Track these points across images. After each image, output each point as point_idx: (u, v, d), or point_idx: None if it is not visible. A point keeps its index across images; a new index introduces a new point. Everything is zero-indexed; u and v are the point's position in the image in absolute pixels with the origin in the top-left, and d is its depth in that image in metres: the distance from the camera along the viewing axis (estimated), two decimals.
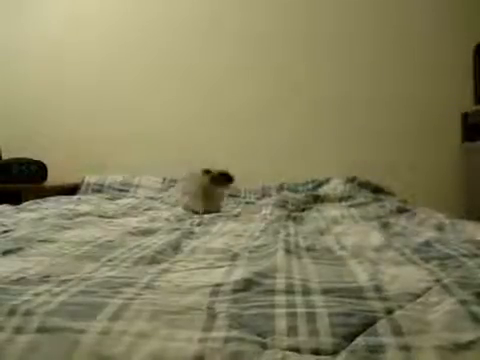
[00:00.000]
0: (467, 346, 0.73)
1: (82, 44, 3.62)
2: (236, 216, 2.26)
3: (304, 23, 3.42)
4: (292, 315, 0.84)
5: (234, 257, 1.31)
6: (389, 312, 0.86)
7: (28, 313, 0.83)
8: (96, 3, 3.64)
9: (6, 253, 1.33)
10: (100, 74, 3.61)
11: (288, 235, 1.66)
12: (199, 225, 1.98)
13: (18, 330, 0.78)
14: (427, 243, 1.46)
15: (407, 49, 3.32)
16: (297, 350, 0.73)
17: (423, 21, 3.30)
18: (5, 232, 1.66)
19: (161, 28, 3.54)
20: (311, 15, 3.42)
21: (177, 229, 1.79)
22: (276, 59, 3.44)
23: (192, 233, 1.75)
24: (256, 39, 3.46)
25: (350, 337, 0.76)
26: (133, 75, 3.56)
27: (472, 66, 3.17)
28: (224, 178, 2.46)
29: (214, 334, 0.77)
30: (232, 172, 3.18)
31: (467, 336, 0.75)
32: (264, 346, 0.74)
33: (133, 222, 2.01)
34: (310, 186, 3.13)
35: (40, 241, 1.52)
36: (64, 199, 2.77)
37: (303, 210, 2.46)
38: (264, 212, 2.31)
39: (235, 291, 0.98)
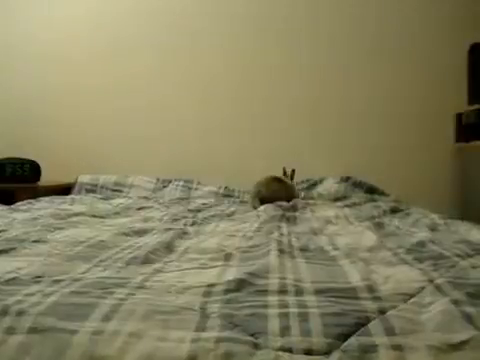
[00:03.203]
0: (459, 346, 0.73)
1: (78, 44, 3.60)
2: (230, 216, 2.26)
3: (302, 22, 3.41)
4: (285, 315, 0.84)
5: (227, 257, 1.31)
6: (382, 312, 0.86)
7: (20, 313, 0.83)
8: (94, 2, 3.63)
9: None
10: (95, 75, 3.59)
11: (281, 235, 1.65)
12: (193, 225, 1.98)
13: (10, 330, 0.78)
14: (421, 243, 1.46)
15: (402, 49, 3.32)
16: (289, 350, 0.73)
17: (418, 21, 3.31)
18: None
19: (158, 30, 3.53)
20: (307, 14, 3.42)
21: (170, 229, 1.78)
22: (271, 59, 3.44)
23: (185, 233, 1.74)
24: (251, 39, 3.45)
25: (343, 337, 0.77)
26: (128, 76, 3.55)
27: (466, 66, 3.18)
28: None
29: (206, 334, 0.77)
30: (227, 172, 3.21)
31: (459, 336, 0.75)
32: (256, 346, 0.74)
33: (126, 222, 2.01)
34: (304, 186, 3.13)
35: (33, 241, 1.51)
36: (57, 199, 2.76)
37: (298, 210, 2.46)
38: (258, 212, 2.30)
39: (228, 291, 0.98)
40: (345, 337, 0.77)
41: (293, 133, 3.39)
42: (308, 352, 0.73)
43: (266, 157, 3.35)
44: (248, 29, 3.46)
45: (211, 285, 1.02)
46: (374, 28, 3.35)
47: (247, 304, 0.90)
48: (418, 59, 3.32)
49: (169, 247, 1.46)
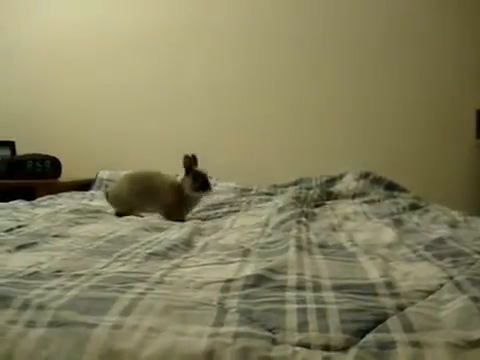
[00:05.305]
0: (478, 343, 0.72)
1: (96, 43, 3.63)
2: (248, 212, 2.26)
3: (312, 22, 3.40)
4: (303, 311, 0.84)
5: (246, 253, 1.31)
6: (400, 309, 0.86)
7: (41, 307, 0.83)
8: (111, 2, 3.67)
9: (20, 248, 1.35)
10: (114, 72, 3.62)
11: (300, 231, 1.65)
12: (210, 220, 2.00)
13: (30, 324, 0.79)
14: (440, 240, 1.45)
15: (421, 45, 3.29)
16: (307, 346, 0.73)
17: (437, 16, 3.27)
18: (19, 227, 1.68)
19: (171, 28, 3.54)
20: (321, 13, 3.40)
21: (189, 225, 1.80)
22: (285, 57, 3.43)
23: (204, 229, 1.76)
24: (263, 38, 3.45)
25: (360, 333, 0.76)
26: (147, 72, 3.57)
27: None
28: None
29: (224, 329, 0.77)
30: (245, 169, 3.17)
31: (478, 333, 0.74)
32: (274, 341, 0.74)
33: (145, 217, 2.03)
34: (324, 182, 3.11)
35: (53, 236, 1.53)
36: (77, 195, 2.79)
37: (316, 207, 2.45)
38: (276, 209, 2.30)
39: (246, 287, 0.98)
40: (363, 333, 0.76)
41: (310, 131, 3.39)
42: (326, 348, 0.73)
43: (284, 154, 3.35)
44: (258, 30, 3.46)
45: (229, 280, 1.02)
46: (392, 24, 3.32)
47: (265, 299, 0.90)
48: (438, 55, 3.28)
49: (188, 243, 1.47)
